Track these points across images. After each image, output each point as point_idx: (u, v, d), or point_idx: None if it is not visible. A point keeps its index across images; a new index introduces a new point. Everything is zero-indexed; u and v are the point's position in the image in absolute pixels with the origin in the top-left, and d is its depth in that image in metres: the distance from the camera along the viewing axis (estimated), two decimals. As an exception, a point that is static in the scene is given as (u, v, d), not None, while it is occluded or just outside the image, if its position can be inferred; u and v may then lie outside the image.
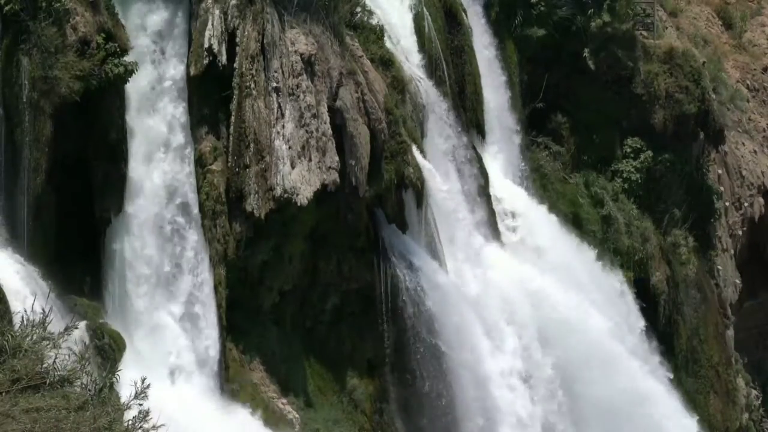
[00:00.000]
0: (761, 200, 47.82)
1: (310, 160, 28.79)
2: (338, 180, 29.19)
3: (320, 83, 29.42)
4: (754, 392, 47.16)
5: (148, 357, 26.45)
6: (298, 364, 30.17)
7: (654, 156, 41.78)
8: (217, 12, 28.22)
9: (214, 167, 28.26)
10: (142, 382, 11.08)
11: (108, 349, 24.70)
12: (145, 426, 10.79)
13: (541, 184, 39.82)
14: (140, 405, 11.04)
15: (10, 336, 11.78)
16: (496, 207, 36.45)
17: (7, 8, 24.59)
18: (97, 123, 25.95)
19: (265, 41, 28.68)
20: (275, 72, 28.65)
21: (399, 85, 32.76)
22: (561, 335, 35.12)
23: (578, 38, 40.55)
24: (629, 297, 39.80)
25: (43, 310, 11.85)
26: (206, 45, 27.91)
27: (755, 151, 48.45)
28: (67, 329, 11.25)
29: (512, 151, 39.07)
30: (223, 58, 28.12)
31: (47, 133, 24.82)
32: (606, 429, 35.60)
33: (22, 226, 24.78)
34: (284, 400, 29.38)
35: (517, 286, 35.15)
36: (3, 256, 24.35)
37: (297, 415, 29.24)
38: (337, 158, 29.18)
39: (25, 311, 12.11)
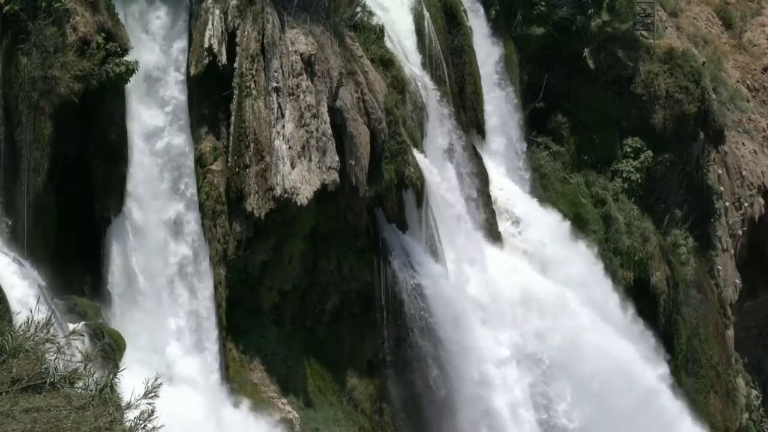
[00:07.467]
0: (761, 200, 47.79)
1: (310, 160, 28.77)
2: (338, 180, 29.16)
3: (320, 83, 29.40)
4: (754, 392, 47.12)
5: (149, 356, 26.40)
6: (298, 364, 30.15)
7: (654, 156, 41.78)
8: (217, 12, 28.19)
9: (214, 167, 28.24)
10: (154, 381, 11.02)
11: (108, 349, 24.66)
12: (148, 426, 10.76)
13: (541, 184, 39.79)
14: (150, 404, 10.99)
15: (10, 336, 11.75)
16: (496, 207, 36.43)
17: (6, 8, 24.54)
18: (97, 123, 25.91)
19: (265, 41, 28.66)
20: (275, 72, 28.62)
21: (399, 85, 32.72)
22: (561, 335, 35.09)
23: (578, 38, 40.53)
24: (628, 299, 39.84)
25: (45, 311, 11.82)
26: (206, 45, 27.89)
27: (755, 151, 48.42)
28: (71, 334, 11.23)
29: (512, 151, 39.04)
30: (223, 58, 28.09)
31: (47, 133, 24.78)
32: (608, 425, 35.59)
33: (22, 226, 24.73)
34: (284, 400, 29.34)
35: (516, 286, 35.12)
36: (3, 255, 24.32)
37: (297, 415, 29.20)
38: (337, 158, 29.16)
39: (31, 311, 12.08)
